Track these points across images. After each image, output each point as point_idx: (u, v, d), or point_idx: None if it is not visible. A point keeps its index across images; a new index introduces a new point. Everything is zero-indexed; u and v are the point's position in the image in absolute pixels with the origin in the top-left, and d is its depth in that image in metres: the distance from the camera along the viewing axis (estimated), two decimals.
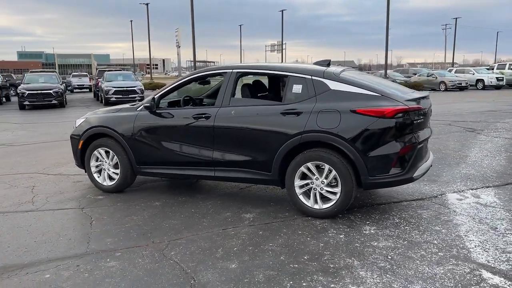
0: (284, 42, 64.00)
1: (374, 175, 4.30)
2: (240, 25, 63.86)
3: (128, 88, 20.98)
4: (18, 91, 19.88)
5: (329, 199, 4.47)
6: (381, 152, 4.27)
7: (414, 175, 4.39)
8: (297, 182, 4.56)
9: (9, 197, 5.54)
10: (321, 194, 4.50)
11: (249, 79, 5.89)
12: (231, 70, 5.03)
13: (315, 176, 4.48)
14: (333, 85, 4.51)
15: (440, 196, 5.24)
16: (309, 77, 4.62)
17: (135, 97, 20.80)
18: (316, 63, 5.13)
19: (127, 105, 5.84)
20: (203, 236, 4.13)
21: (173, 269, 3.47)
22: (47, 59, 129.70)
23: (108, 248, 3.90)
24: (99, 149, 5.60)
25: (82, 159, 5.77)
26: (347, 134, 4.30)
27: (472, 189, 5.46)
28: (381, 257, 3.61)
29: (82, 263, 3.62)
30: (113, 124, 5.47)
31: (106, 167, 5.60)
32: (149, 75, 58.54)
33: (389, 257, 3.61)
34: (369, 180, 4.31)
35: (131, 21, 52.54)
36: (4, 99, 24.30)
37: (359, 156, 4.27)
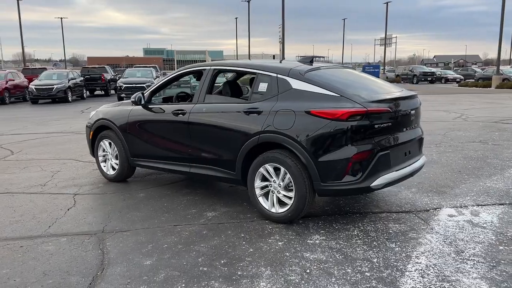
0: (394, 36, 61.33)
1: (326, 181, 4.00)
2: (344, 19, 62.20)
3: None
4: (117, 85, 21.92)
5: (285, 204, 4.27)
6: (333, 157, 3.95)
7: (373, 184, 3.98)
8: (257, 184, 4.42)
9: (30, 180, 6.21)
10: (278, 197, 4.31)
11: (244, 78, 5.82)
12: (209, 67, 5.04)
13: (273, 179, 4.31)
14: (295, 84, 4.28)
15: (431, 210, 4.66)
16: (275, 75, 4.43)
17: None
18: (300, 60, 4.91)
19: (129, 100, 6.17)
20: (149, 231, 4.23)
21: (95, 259, 3.62)
22: (167, 55, 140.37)
23: (60, 233, 4.19)
24: (104, 140, 6.01)
25: (93, 149, 6.24)
26: (300, 136, 4.05)
27: (479, 205, 4.76)
28: (299, 270, 3.36)
29: (27, 244, 3.95)
30: (113, 117, 5.82)
31: (110, 157, 5.99)
32: None
33: (308, 271, 3.35)
34: (322, 187, 4.02)
35: (236, 18, 54.38)
36: (113, 91, 26.90)
37: (310, 160, 4.01)
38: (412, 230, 4.12)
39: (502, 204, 4.81)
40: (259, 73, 4.58)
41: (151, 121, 5.38)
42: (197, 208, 4.85)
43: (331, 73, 4.56)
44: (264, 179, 4.39)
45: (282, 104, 4.25)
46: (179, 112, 5.01)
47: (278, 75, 4.40)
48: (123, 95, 20.86)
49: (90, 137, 6.21)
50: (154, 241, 3.97)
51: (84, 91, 24.18)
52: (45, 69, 27.14)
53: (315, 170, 4.00)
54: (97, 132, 6.09)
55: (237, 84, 4.83)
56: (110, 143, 5.93)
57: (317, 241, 3.90)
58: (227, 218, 4.51)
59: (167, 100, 5.90)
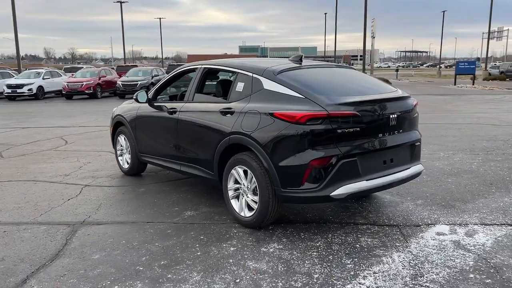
0: (506, 28, 56.17)
1: (286, 187, 3.78)
2: (444, 11, 58.05)
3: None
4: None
5: (252, 208, 4.13)
6: (291, 162, 3.73)
7: (333, 193, 3.67)
8: (230, 185, 4.33)
9: (59, 170, 6.75)
10: (246, 201, 4.19)
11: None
12: (200, 66, 5.03)
13: (243, 182, 4.19)
14: (267, 84, 4.11)
15: (423, 226, 4.19)
16: (251, 74, 4.29)
17: None
18: (291, 59, 4.71)
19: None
20: (122, 225, 4.36)
21: (54, 249, 3.82)
22: (262, 53, 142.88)
23: (44, 222, 4.49)
24: (120, 135, 6.31)
25: (113, 143, 6.59)
26: (262, 138, 3.89)
27: (482, 224, 4.18)
28: (229, 278, 3.23)
29: (10, 230, 4.30)
30: (125, 114, 6.08)
31: (125, 152, 6.28)
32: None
33: (237, 281, 3.21)
34: (282, 193, 3.82)
35: (325, 14, 53.52)
36: None
37: (271, 164, 3.82)
38: (383, 246, 3.74)
39: (509, 225, 4.16)
40: (238, 72, 4.47)
41: (152, 118, 5.52)
42: (182, 206, 4.89)
43: (311, 73, 4.30)
44: (236, 181, 4.28)
45: (252, 105, 4.11)
46: (172, 110, 5.08)
47: (254, 75, 4.25)
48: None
49: (111, 132, 6.56)
50: (118, 235, 4.08)
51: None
52: (135, 66, 29.14)
53: (275, 175, 3.81)
54: (116, 127, 6.41)
55: (226, 83, 4.75)
56: (125, 138, 6.21)
57: (271, 250, 3.72)
58: (201, 219, 4.48)
59: (173, 98, 6.01)
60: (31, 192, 5.56)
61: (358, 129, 3.74)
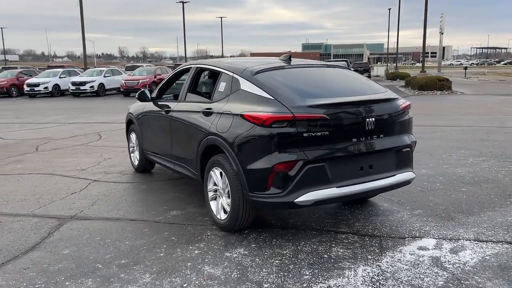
0: None
1: (253, 191, 3.66)
2: None
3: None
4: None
5: (226, 211, 4.05)
6: (257, 166, 3.60)
7: (298, 200, 3.49)
8: (210, 187, 4.29)
9: (80, 164, 7.05)
10: (222, 203, 4.12)
11: None
12: (193, 66, 5.02)
13: (219, 184, 4.13)
14: (244, 84, 4.00)
15: (408, 238, 3.88)
16: (232, 74, 4.21)
17: None
18: (281, 58, 4.57)
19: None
20: (105, 222, 4.45)
21: (33, 242, 3.98)
22: (325, 50, 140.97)
23: (38, 214, 4.70)
24: (131, 132, 6.48)
25: (127, 140, 6.78)
26: (232, 140, 3.80)
27: (476, 241, 3.79)
28: (178, 282, 3.18)
29: (5, 220, 4.54)
30: (134, 112, 6.23)
31: (135, 149, 6.43)
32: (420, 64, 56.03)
33: (185, 285, 3.14)
34: (250, 197, 3.70)
35: (389, 9, 51.62)
36: None
37: (240, 166, 3.72)
38: (353, 258, 3.51)
39: (507, 242, 3.74)
40: (222, 72, 4.40)
41: (153, 117, 5.60)
42: (171, 205, 4.91)
43: (292, 74, 4.13)
44: (215, 183, 4.22)
45: (228, 105, 4.02)
46: (167, 109, 5.12)
47: (234, 75, 4.17)
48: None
49: (126, 129, 6.75)
50: (96, 232, 4.18)
51: None
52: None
53: (244, 178, 3.71)
54: (128, 125, 6.58)
55: (212, 83, 4.70)
56: (135, 136, 6.36)
57: (235, 255, 3.62)
58: (183, 219, 4.47)
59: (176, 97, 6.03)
60: (43, 185, 5.86)
61: (327, 133, 3.53)
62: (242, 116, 3.74)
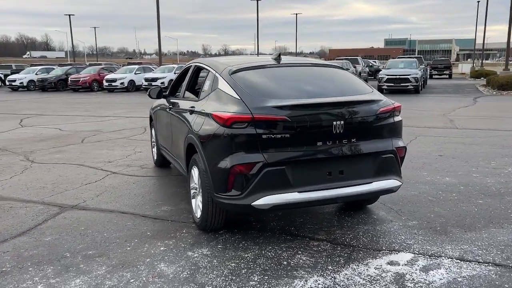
0: None
1: (218, 192, 3.63)
2: None
3: (400, 76, 20.38)
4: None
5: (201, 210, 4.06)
6: (219, 166, 3.56)
7: (255, 203, 3.39)
8: (191, 184, 4.31)
9: (110, 156, 7.44)
10: (198, 202, 4.13)
11: None
12: (193, 64, 5.06)
13: (197, 182, 4.14)
14: (221, 83, 3.97)
15: (384, 251, 3.61)
16: (214, 73, 4.19)
17: (408, 85, 20.10)
18: (272, 57, 4.47)
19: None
20: (98, 213, 4.66)
21: (26, 228, 4.28)
22: (410, 46, 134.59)
23: (46, 202, 5.04)
24: (152, 128, 6.71)
25: (151, 135, 7.03)
26: (202, 139, 3.80)
27: (458, 259, 3.42)
28: (127, 276, 3.25)
29: (16, 205, 4.91)
30: (153, 109, 6.43)
31: (155, 144, 6.65)
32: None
33: (132, 280, 3.20)
34: (215, 197, 3.67)
35: (478, 2, 48.01)
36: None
37: (207, 165, 3.71)
38: (312, 267, 3.34)
39: (493, 264, 3.33)
40: (209, 70, 4.39)
41: (162, 113, 5.74)
42: (168, 200, 5.01)
43: (270, 73, 4.02)
44: (195, 181, 4.24)
45: (205, 104, 4.02)
46: (170, 106, 5.23)
47: (216, 74, 4.14)
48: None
49: (149, 125, 6.99)
50: (84, 222, 4.39)
51: None
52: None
53: (210, 178, 3.68)
54: (150, 121, 6.82)
55: (201, 81, 4.70)
56: (154, 131, 6.57)
57: (195, 255, 3.61)
58: (170, 215, 4.54)
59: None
60: (66, 174, 6.27)
61: (288, 135, 3.38)
62: (211, 115, 3.71)
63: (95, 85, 28.60)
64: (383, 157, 3.71)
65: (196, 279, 3.21)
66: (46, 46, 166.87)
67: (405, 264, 3.36)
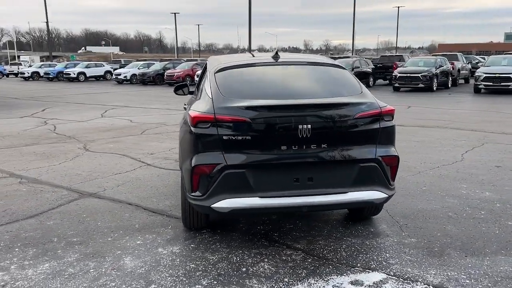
0: None
1: (188, 191, 3.60)
2: None
3: (500, 75, 18.22)
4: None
5: None
6: (186, 166, 3.54)
7: (214, 205, 3.30)
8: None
9: (154, 149, 7.79)
10: None
11: None
12: (206, 61, 5.07)
13: None
14: (206, 82, 3.95)
15: (356, 268, 3.30)
16: (208, 71, 4.16)
17: (509, 85, 18.05)
18: (271, 55, 4.34)
19: None
20: (108, 203, 4.91)
21: (41, 210, 4.68)
22: None
23: (65, 187, 5.43)
24: None
25: None
26: (180, 137, 3.81)
27: (433, 287, 3.02)
28: (90, 265, 3.38)
29: (44, 189, 5.38)
30: (184, 106, 6.57)
31: None
32: None
33: (90, 270, 3.33)
34: (187, 197, 3.65)
35: None
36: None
37: (181, 164, 3.72)
38: (266, 278, 3.17)
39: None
40: (207, 68, 4.37)
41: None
42: (175, 195, 5.09)
43: (249, 72, 3.90)
44: None
45: (194, 102, 4.01)
46: (185, 104, 5.31)
47: (208, 72, 4.11)
48: (396, 84, 20.46)
49: None
50: (92, 210, 4.65)
51: (371, 79, 24.69)
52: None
53: (183, 177, 3.68)
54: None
55: None
56: None
57: (164, 252, 3.63)
58: (168, 209, 4.63)
59: None
60: (105, 164, 6.70)
61: (250, 137, 3.23)
62: (188, 114, 3.70)
63: (188, 80, 30.07)
64: (362, 166, 3.37)
65: (148, 276, 3.23)
66: (159, 42, 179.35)
67: (369, 286, 3.04)
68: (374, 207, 3.98)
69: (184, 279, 3.18)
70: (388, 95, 18.73)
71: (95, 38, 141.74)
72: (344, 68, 4.01)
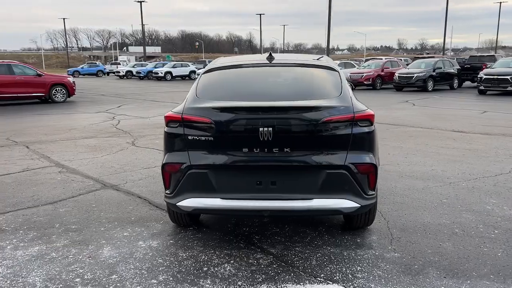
0: None
1: (164, 189, 3.72)
2: None
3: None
4: (478, 75, 19.61)
5: None
6: (161, 163, 3.64)
7: (180, 204, 3.38)
8: None
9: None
10: None
11: None
12: None
13: None
14: (194, 83, 4.02)
15: (318, 279, 3.17)
16: (200, 72, 4.25)
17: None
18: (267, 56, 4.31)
19: None
20: (122, 195, 5.20)
21: (62, 197, 5.11)
22: None
23: (92, 177, 5.84)
24: None
25: None
26: None
27: None
28: (72, 251, 3.64)
29: (75, 179, 5.85)
30: None
31: None
32: None
33: (70, 256, 3.59)
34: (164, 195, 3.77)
35: None
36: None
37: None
38: (222, 280, 3.18)
39: None
40: None
41: None
42: None
43: (230, 73, 3.89)
44: None
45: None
46: None
47: (200, 73, 4.19)
48: (481, 87, 19.07)
49: None
50: (104, 201, 4.96)
51: (455, 81, 23.03)
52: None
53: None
54: None
55: None
56: None
57: (143, 246, 3.78)
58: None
59: None
60: (140, 158, 7.08)
61: (212, 138, 3.25)
62: None
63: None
64: (329, 172, 3.21)
65: (116, 267, 3.39)
66: (249, 43, 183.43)
67: None
68: (364, 216, 3.77)
69: (145, 273, 3.29)
70: (468, 99, 17.38)
71: (190, 39, 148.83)
72: (334, 70, 3.84)
